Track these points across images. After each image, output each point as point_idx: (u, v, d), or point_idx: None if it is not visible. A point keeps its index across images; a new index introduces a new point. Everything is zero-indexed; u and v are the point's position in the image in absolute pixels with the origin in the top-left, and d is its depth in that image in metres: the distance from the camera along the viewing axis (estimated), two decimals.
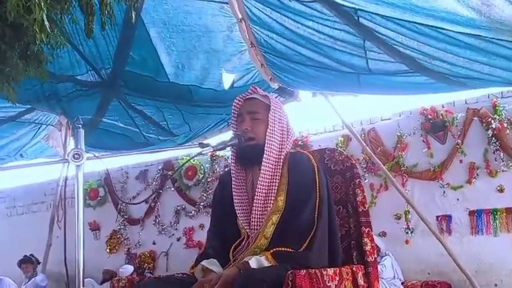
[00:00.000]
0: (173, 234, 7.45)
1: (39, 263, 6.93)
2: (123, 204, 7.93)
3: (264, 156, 1.98)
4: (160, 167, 7.62)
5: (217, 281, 1.71)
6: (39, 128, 5.70)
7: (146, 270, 7.25)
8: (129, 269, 6.74)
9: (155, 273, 7.26)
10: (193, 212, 7.24)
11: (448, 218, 5.39)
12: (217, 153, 6.76)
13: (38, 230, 7.25)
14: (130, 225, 7.89)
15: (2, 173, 11.24)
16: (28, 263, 7.02)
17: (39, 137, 5.87)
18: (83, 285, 1.63)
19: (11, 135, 5.62)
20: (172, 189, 7.50)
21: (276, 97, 4.62)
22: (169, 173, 7.46)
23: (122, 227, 7.95)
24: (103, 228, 8.13)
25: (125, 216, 7.92)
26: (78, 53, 3.94)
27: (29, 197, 8.92)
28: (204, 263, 1.92)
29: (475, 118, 5.31)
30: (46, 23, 2.14)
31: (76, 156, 1.65)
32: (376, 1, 2.40)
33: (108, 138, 5.36)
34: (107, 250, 7.97)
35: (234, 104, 2.14)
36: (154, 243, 7.61)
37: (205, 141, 1.98)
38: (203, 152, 1.88)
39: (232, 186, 2.06)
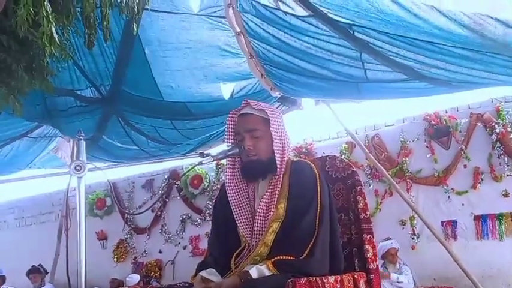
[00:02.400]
0: (179, 243, 7.48)
1: (47, 273, 6.97)
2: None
3: (278, 171, 2.01)
4: (166, 176, 7.66)
5: None
6: (49, 141, 5.75)
7: (153, 279, 7.26)
8: (136, 278, 6.76)
9: (162, 281, 7.28)
10: (199, 220, 7.27)
11: (453, 223, 5.39)
12: (223, 161, 6.80)
13: (46, 240, 7.30)
14: (137, 234, 7.93)
15: (9, 184, 11.32)
16: (36, 273, 7.05)
17: (49, 149, 5.93)
18: None
19: (23, 152, 5.69)
20: (178, 197, 7.54)
21: (278, 106, 4.64)
22: (176, 182, 7.51)
23: (128, 236, 8.00)
24: (110, 238, 8.17)
25: (132, 226, 7.96)
26: (78, 69, 3.93)
27: (37, 207, 8.99)
28: (203, 273, 1.93)
29: (479, 123, 5.32)
30: (55, 35, 2.17)
31: (78, 168, 1.67)
32: (369, 18, 2.42)
33: (106, 156, 5.40)
34: (114, 259, 8.01)
35: (228, 120, 2.13)
36: (160, 252, 7.65)
37: (206, 151, 1.99)
38: (203, 162, 1.90)
39: (231, 196, 2.07)
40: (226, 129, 2.13)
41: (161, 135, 4.88)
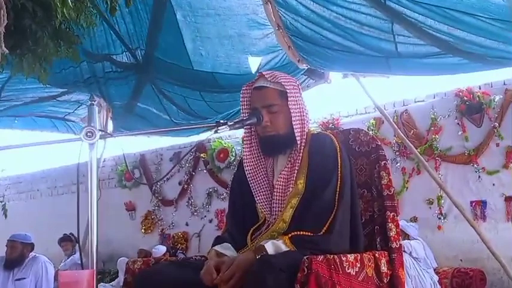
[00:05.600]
0: (205, 216, 7.56)
1: (78, 241, 7.15)
2: (158, 186, 8.08)
3: (298, 146, 1.95)
4: (193, 149, 7.69)
5: (229, 265, 1.69)
6: (78, 106, 5.79)
7: (179, 251, 7.37)
8: (162, 249, 6.86)
9: (188, 253, 7.38)
10: (224, 194, 7.29)
11: (482, 204, 5.25)
12: None
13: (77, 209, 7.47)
14: (164, 206, 8.04)
15: (41, 152, 11.66)
16: (67, 241, 7.23)
17: (77, 116, 5.97)
18: (97, 263, 1.67)
19: (49, 112, 5.78)
20: (205, 171, 7.58)
21: (305, 79, 4.55)
22: (201, 155, 7.54)
23: (156, 208, 8.12)
24: (138, 209, 8.32)
25: (159, 198, 8.07)
26: (114, 32, 3.98)
27: (69, 177, 9.18)
28: (217, 247, 1.90)
29: None
30: None
31: (89, 134, 1.65)
32: None
33: (143, 124, 5.42)
34: (142, 230, 8.16)
35: (242, 93, 2.06)
36: (187, 225, 7.74)
37: (223, 121, 1.92)
38: (219, 131, 1.85)
39: (248, 171, 2.03)
40: (241, 104, 2.07)
41: (191, 106, 4.88)
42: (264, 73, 2.02)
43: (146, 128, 5.44)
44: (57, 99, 5.39)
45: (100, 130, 1.70)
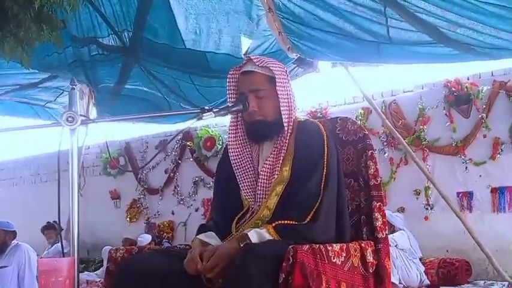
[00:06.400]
0: (191, 205, 7.49)
1: (62, 229, 7.05)
2: (143, 174, 8.00)
3: (285, 132, 1.92)
4: (179, 137, 7.62)
5: (212, 254, 1.65)
6: (60, 94, 5.68)
7: (165, 240, 7.32)
8: (147, 238, 6.81)
9: (174, 242, 7.33)
10: (211, 183, 7.20)
11: (469, 195, 5.26)
12: None
13: (61, 197, 7.38)
14: (150, 194, 7.96)
15: (24, 138, 11.52)
16: (51, 229, 7.17)
17: (59, 104, 5.87)
18: (78, 251, 1.62)
19: (30, 100, 5.67)
20: (191, 159, 7.51)
21: (293, 68, 4.49)
22: (188, 143, 7.47)
23: (141, 196, 8.04)
24: (123, 197, 8.23)
25: (145, 186, 7.99)
26: (100, 15, 3.90)
27: (52, 164, 9.03)
28: (201, 236, 1.86)
29: (502, 91, 5.11)
30: None
31: (70, 119, 1.60)
32: None
33: (132, 105, 5.32)
34: (127, 219, 8.08)
35: (228, 78, 2.01)
36: (173, 213, 7.68)
37: (208, 107, 1.87)
38: (204, 117, 1.80)
39: (233, 158, 1.99)
40: (227, 89, 2.01)
41: (181, 88, 4.79)
42: (252, 57, 1.98)
43: (137, 109, 5.34)
44: (39, 86, 5.28)
45: (81, 115, 1.63)
